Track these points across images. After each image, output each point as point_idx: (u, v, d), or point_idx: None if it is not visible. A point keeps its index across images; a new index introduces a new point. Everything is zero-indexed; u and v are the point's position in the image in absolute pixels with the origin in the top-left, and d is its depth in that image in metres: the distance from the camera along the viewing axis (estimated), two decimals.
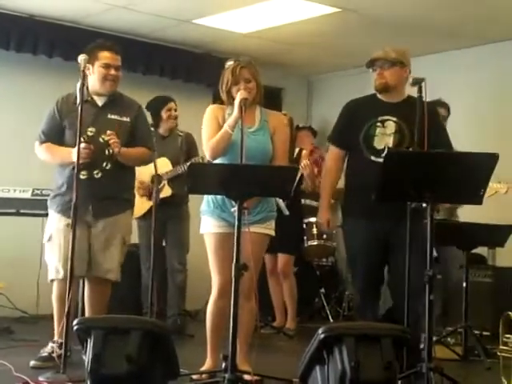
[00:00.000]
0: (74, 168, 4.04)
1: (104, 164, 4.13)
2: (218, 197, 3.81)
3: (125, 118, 4.26)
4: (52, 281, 4.20)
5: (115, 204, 4.23)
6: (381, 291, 4.05)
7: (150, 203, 5.34)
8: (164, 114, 5.56)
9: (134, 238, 5.75)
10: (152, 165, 5.22)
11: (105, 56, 4.23)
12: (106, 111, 4.21)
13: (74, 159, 3.99)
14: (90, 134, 4.14)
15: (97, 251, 4.17)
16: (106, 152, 4.12)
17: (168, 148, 5.46)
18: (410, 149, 3.83)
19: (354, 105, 4.11)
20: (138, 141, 4.31)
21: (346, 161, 4.12)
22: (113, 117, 4.20)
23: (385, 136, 3.92)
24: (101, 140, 4.12)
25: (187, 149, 5.54)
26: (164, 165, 5.43)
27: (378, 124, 3.94)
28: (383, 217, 3.82)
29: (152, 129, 4.99)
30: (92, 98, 4.25)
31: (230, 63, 3.88)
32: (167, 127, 5.57)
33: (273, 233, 3.92)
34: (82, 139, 4.01)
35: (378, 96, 4.02)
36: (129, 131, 4.26)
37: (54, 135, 4.26)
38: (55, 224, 4.21)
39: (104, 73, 4.21)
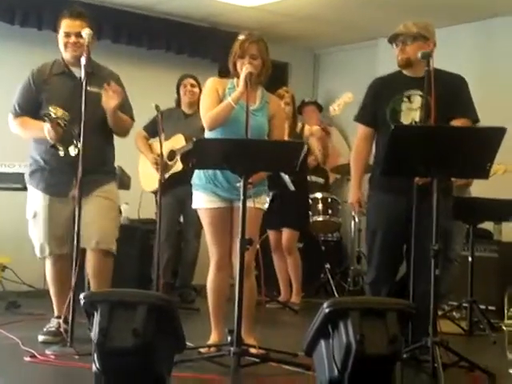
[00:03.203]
0: (48, 144, 3.98)
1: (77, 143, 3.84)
2: (210, 171, 3.80)
3: None
4: (41, 258, 4.18)
5: (99, 176, 4.11)
6: (397, 270, 4.00)
7: (165, 177, 5.40)
8: (181, 91, 5.80)
9: (150, 214, 5.81)
10: (170, 141, 5.53)
11: (64, 24, 4.09)
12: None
13: (47, 135, 3.93)
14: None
15: (88, 224, 3.95)
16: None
17: (189, 127, 5.57)
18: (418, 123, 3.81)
19: (378, 83, 4.07)
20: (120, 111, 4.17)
21: (375, 138, 4.07)
22: (92, 89, 3.94)
23: (411, 111, 3.88)
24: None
25: None
26: (179, 141, 5.60)
27: (405, 99, 3.89)
28: (407, 192, 3.73)
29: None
30: (69, 70, 4.14)
31: (241, 36, 3.85)
32: (186, 103, 5.77)
33: (265, 207, 3.92)
34: (47, 118, 3.85)
35: (403, 72, 3.96)
36: None
37: (31, 108, 4.12)
38: (39, 201, 4.13)
39: (64, 41, 4.08)
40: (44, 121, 3.90)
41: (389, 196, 3.87)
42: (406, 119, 3.89)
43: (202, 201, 3.88)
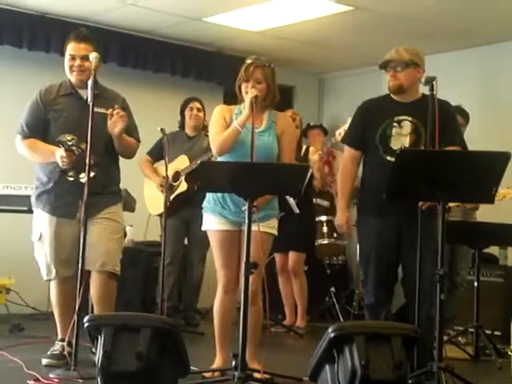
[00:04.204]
0: (55, 167, 3.99)
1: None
2: (219, 194, 3.81)
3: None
4: (47, 280, 4.17)
5: (105, 198, 4.10)
6: (394, 289, 4.02)
7: (170, 199, 5.40)
8: (186, 114, 5.80)
9: (154, 236, 5.81)
10: (175, 162, 5.51)
11: (69, 47, 4.11)
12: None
13: (58, 162, 3.94)
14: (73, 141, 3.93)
15: (93, 246, 3.93)
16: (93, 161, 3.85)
17: (192, 148, 5.63)
18: (422, 147, 3.82)
19: (368, 105, 4.08)
20: (125, 133, 4.17)
21: (361, 161, 4.09)
22: (99, 110, 3.96)
23: (401, 136, 3.90)
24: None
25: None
26: (183, 162, 5.62)
27: (395, 124, 3.91)
28: (396, 216, 3.80)
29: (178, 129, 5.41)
30: (76, 91, 4.15)
31: (248, 60, 3.87)
32: (190, 126, 5.78)
33: (275, 232, 3.89)
34: (64, 146, 3.88)
35: (393, 96, 3.99)
36: None
37: (38, 129, 4.11)
38: (45, 223, 4.12)
39: (69, 64, 4.10)
40: (58, 146, 3.92)
41: (377, 221, 3.89)
42: (395, 144, 3.90)
43: (211, 223, 3.89)
